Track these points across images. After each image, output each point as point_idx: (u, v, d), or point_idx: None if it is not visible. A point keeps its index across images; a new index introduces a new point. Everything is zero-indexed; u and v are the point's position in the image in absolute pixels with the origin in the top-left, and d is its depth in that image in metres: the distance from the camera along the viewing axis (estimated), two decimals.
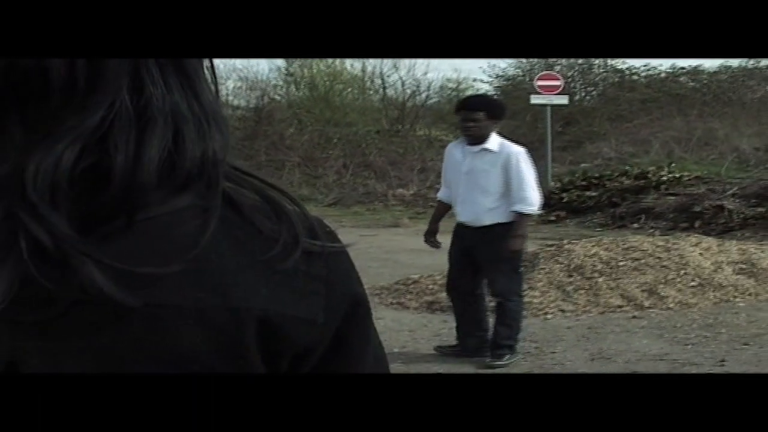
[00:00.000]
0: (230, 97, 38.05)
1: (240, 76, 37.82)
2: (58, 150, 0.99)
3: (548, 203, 22.85)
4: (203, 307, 1.04)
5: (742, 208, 18.84)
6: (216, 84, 1.15)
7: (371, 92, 38.89)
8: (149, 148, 1.02)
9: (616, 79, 36.23)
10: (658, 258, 12.18)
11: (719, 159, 26.21)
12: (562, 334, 9.96)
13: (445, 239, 9.26)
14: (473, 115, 8.69)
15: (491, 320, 8.85)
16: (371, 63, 37.57)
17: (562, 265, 12.03)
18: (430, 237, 9.24)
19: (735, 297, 11.46)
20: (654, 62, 35.52)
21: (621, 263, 12.02)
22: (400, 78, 37.70)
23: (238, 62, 37.55)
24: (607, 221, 20.74)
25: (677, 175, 22.35)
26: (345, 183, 29.05)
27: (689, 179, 22.06)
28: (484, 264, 8.77)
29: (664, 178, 22.16)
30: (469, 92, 38.98)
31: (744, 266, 12.28)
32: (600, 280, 11.63)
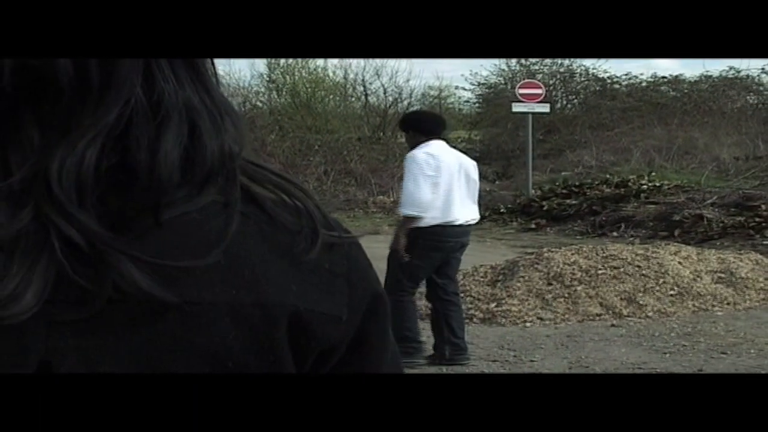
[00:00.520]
0: None
1: (222, 82, 37.63)
2: (80, 148, 0.98)
3: (528, 211, 22.95)
4: (237, 303, 1.04)
5: (722, 218, 18.88)
6: (217, 79, 1.15)
7: (353, 99, 38.99)
8: (167, 144, 1.02)
9: (597, 88, 36.37)
10: (638, 266, 12.20)
11: (699, 168, 26.28)
12: (540, 342, 9.97)
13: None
14: (404, 134, 9.41)
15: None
16: (353, 70, 37.70)
17: (542, 273, 12.04)
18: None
19: (713, 306, 11.49)
20: (635, 71, 35.83)
21: (600, 271, 12.04)
22: (382, 85, 37.83)
23: (220, 69, 37.37)
24: (587, 229, 20.77)
25: (657, 184, 22.40)
26: (326, 190, 29.03)
27: (669, 188, 22.11)
28: None
29: (644, 187, 22.20)
30: (451, 100, 39.17)
31: (723, 275, 12.32)
32: (579, 288, 11.65)
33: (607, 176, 24.20)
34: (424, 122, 9.24)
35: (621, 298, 11.49)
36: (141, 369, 1.01)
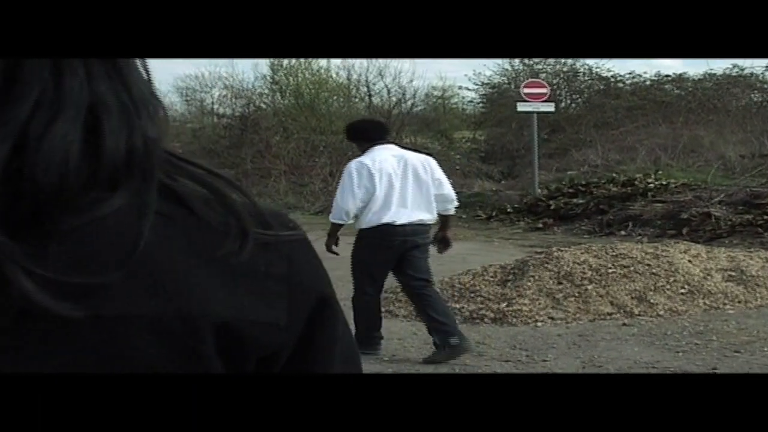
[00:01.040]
0: (216, 106, 38.13)
1: (225, 84, 37.86)
2: None
3: (535, 211, 22.93)
4: (157, 316, 0.99)
5: (729, 216, 18.85)
6: (147, 71, 1.08)
7: (357, 100, 38.95)
8: (59, 142, 0.95)
9: (601, 87, 36.30)
10: (648, 265, 12.18)
11: (705, 166, 26.23)
12: (552, 341, 9.94)
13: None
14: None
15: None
16: (357, 71, 37.68)
17: (552, 273, 12.02)
18: None
19: (725, 304, 11.47)
20: (639, 70, 35.80)
21: (610, 270, 12.02)
22: (386, 86, 37.78)
23: (224, 70, 37.63)
24: (594, 228, 20.75)
25: (664, 183, 22.38)
26: (331, 191, 28.92)
27: (676, 186, 22.09)
28: None
29: (651, 186, 22.18)
30: (454, 100, 39.17)
31: (733, 273, 12.29)
32: (590, 287, 11.62)
33: (614, 175, 24.17)
34: (366, 130, 9.64)
35: (632, 297, 11.46)
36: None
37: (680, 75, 35.84)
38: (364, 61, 36.40)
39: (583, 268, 12.09)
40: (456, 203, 9.91)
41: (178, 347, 1.00)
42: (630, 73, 36.06)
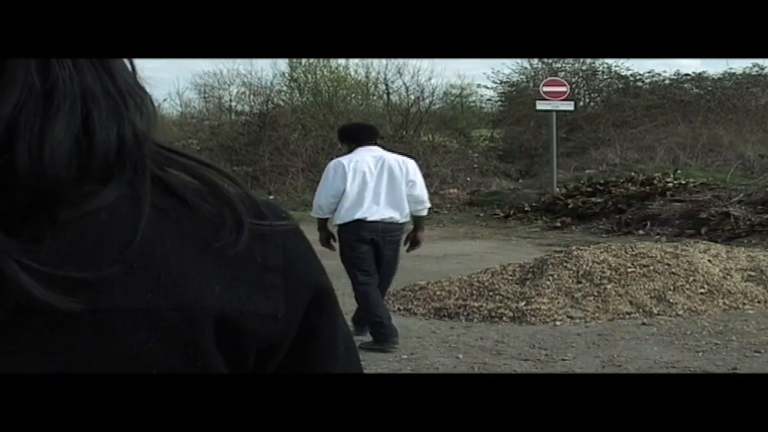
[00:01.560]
0: (234, 103, 38.18)
1: (244, 81, 37.94)
2: None
3: (553, 209, 22.90)
4: (153, 308, 0.98)
5: (749, 215, 18.80)
6: (132, 63, 1.07)
7: (375, 98, 38.98)
8: (55, 137, 0.95)
9: (620, 86, 36.24)
10: (667, 264, 12.15)
11: (724, 166, 26.16)
12: (571, 340, 9.92)
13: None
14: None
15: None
16: (375, 69, 37.70)
17: (571, 272, 12.00)
18: None
19: (744, 304, 11.43)
20: (658, 69, 35.70)
21: (630, 269, 11.99)
22: (404, 84, 37.79)
23: (242, 68, 37.70)
24: (612, 227, 20.72)
25: (683, 182, 22.34)
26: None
27: (695, 186, 22.04)
28: None
29: (670, 185, 22.14)
30: (473, 98, 39.15)
31: (753, 273, 12.25)
32: (609, 286, 11.60)
33: (632, 174, 24.13)
34: (354, 133, 10.39)
35: (651, 297, 11.44)
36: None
37: (700, 74, 35.79)
38: (383, 59, 36.42)
39: (603, 268, 12.06)
40: (427, 205, 10.42)
41: (176, 339, 0.99)
42: (649, 72, 36.03)
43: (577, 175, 26.77)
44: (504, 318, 10.94)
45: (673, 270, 12.02)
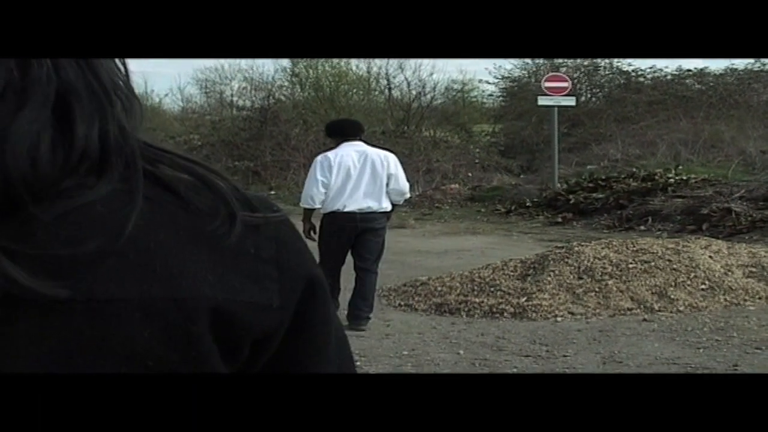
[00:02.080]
0: (235, 98, 38.21)
1: (245, 76, 38.09)
2: None
3: (555, 205, 22.90)
4: (148, 298, 0.98)
5: (750, 211, 18.77)
6: (125, 64, 1.08)
7: (377, 93, 39.09)
8: (17, 130, 0.94)
9: (622, 81, 36.27)
10: (668, 260, 12.13)
11: (725, 161, 26.17)
12: (572, 336, 9.91)
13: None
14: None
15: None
16: (377, 64, 37.77)
17: (572, 267, 11.99)
18: None
19: (746, 300, 11.40)
20: (660, 64, 35.62)
21: (631, 265, 11.98)
22: (406, 79, 37.92)
23: (243, 63, 37.67)
24: (614, 223, 20.69)
25: (684, 178, 22.33)
26: None
27: (696, 181, 22.04)
28: None
29: (671, 180, 22.14)
30: (474, 93, 39.19)
31: (754, 269, 12.23)
32: (610, 282, 11.58)
33: (634, 170, 24.13)
34: (338, 128, 11.27)
35: (652, 293, 11.41)
36: (53, 370, 0.95)
37: (701, 70, 35.82)
38: None
39: (604, 263, 12.05)
40: (407, 196, 11.47)
41: (171, 329, 0.99)
42: (651, 68, 36.05)
43: (579, 170, 26.77)
44: (505, 314, 10.93)
45: (674, 266, 12.00)
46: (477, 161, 32.22)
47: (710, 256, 12.43)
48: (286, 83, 38.49)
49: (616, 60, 35.54)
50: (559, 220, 21.86)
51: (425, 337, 9.98)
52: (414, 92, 37.67)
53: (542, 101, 25.92)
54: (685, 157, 26.85)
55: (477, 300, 11.36)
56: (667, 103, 33.64)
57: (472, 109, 39.90)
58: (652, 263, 12.06)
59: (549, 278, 11.78)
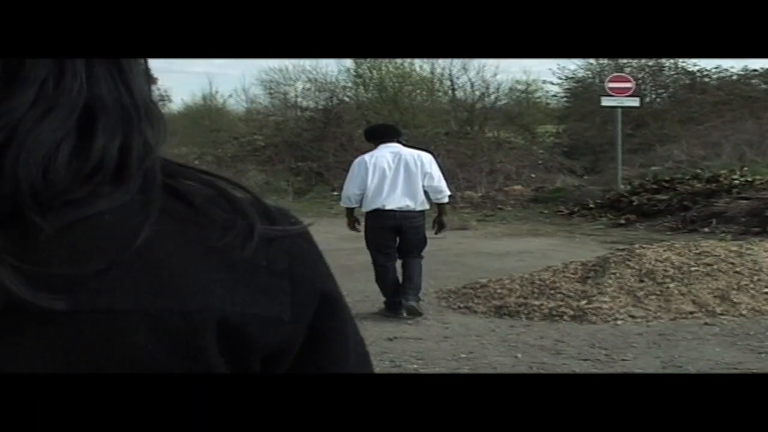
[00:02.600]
0: (299, 99, 38.31)
1: (309, 77, 38.07)
2: None
3: (618, 206, 22.76)
4: (154, 310, 0.98)
5: None
6: (150, 78, 1.09)
7: (440, 94, 39.03)
8: (42, 139, 0.95)
9: (687, 81, 35.99)
10: (731, 263, 12.01)
11: None
12: (632, 340, 9.84)
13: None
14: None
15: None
16: (440, 65, 37.71)
17: (633, 270, 11.90)
18: None
19: None
20: (725, 64, 35.28)
21: (693, 268, 11.87)
22: (470, 80, 37.83)
23: (308, 64, 37.75)
24: (677, 225, 20.54)
25: (749, 179, 22.11)
26: None
27: (761, 183, 21.81)
28: None
29: (736, 182, 21.93)
30: (538, 94, 39.06)
31: None
32: (671, 285, 11.48)
33: (698, 171, 23.94)
34: (375, 132, 12.05)
35: (714, 296, 11.29)
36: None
37: None
38: None
39: (666, 266, 11.95)
40: (447, 193, 11.81)
41: (177, 342, 0.99)
42: (716, 68, 35.73)
43: (643, 171, 26.60)
44: (565, 317, 10.87)
45: (737, 269, 11.88)
46: (540, 162, 32.11)
47: None
48: (350, 84, 38.54)
49: (681, 60, 35.26)
50: (622, 221, 21.73)
51: (483, 340, 9.94)
52: (477, 93, 37.62)
53: (606, 102, 25.80)
54: (751, 158, 26.58)
55: (537, 303, 11.31)
56: (732, 103, 33.32)
57: (536, 110, 39.73)
58: (715, 266, 11.94)
59: (610, 281, 11.70)
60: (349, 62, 37.74)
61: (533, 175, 30.34)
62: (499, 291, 12.00)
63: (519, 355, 9.22)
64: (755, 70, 35.44)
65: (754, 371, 8.53)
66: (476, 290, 12.23)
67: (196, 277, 1.01)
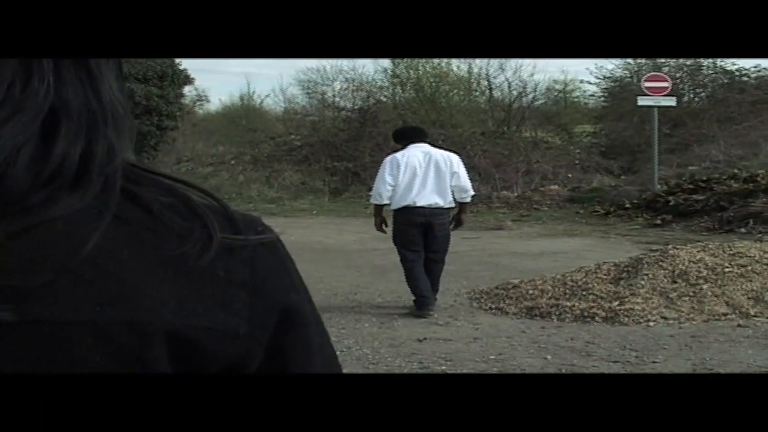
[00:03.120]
0: (336, 99, 38.32)
1: (346, 77, 38.07)
2: None
3: (654, 206, 22.65)
4: (102, 321, 0.96)
5: None
6: (123, 81, 1.08)
7: (477, 94, 38.96)
8: (3, 143, 0.94)
9: (726, 81, 35.76)
10: (766, 264, 11.92)
11: None
12: (663, 342, 9.78)
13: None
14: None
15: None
16: (477, 64, 37.64)
17: (666, 271, 11.83)
18: None
19: None
20: (764, 63, 35.00)
21: (727, 269, 11.79)
22: (507, 79, 37.77)
23: (345, 64, 37.75)
24: (714, 225, 20.42)
25: None
26: None
27: None
28: None
29: None
30: (576, 93, 38.94)
31: None
32: (705, 286, 11.41)
33: (735, 171, 23.80)
34: (405, 133, 12.48)
35: (748, 298, 11.21)
36: None
37: None
38: None
39: (699, 267, 11.87)
40: (471, 193, 12.05)
41: (124, 354, 0.97)
42: (755, 67, 35.45)
43: (680, 171, 26.48)
44: (596, 318, 10.82)
45: None
46: (577, 162, 32.03)
47: None
48: (387, 84, 38.52)
49: (719, 59, 35.05)
50: (659, 222, 21.64)
51: (513, 341, 9.91)
52: (515, 93, 37.53)
53: (642, 101, 25.70)
54: None
55: (568, 304, 11.26)
56: None
57: (573, 110, 39.62)
58: (749, 267, 11.86)
59: (642, 282, 11.64)
60: (386, 62, 37.75)
61: (570, 175, 30.26)
62: (530, 292, 11.97)
63: (548, 357, 9.18)
64: None
65: None
66: (508, 291, 12.20)
67: (148, 288, 0.99)
